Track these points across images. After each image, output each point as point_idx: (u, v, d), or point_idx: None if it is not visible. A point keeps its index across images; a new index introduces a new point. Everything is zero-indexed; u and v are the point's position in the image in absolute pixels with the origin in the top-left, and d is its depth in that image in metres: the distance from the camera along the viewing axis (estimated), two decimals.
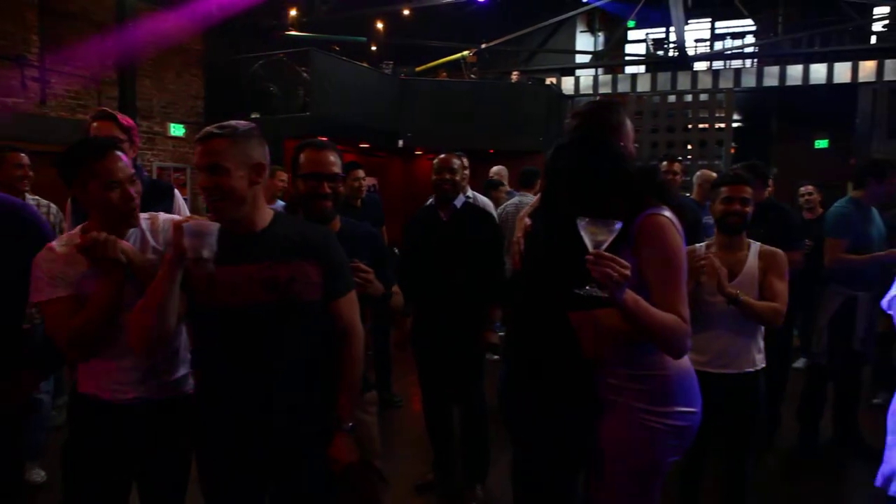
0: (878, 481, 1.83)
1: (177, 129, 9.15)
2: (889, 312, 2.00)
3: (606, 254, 1.54)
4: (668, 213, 1.77)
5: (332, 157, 2.28)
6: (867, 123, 11.09)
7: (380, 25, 12.09)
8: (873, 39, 11.36)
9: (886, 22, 10.99)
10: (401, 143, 10.37)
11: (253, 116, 8.77)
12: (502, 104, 10.48)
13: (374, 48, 12.24)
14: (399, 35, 11.77)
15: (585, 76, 12.70)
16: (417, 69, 11.52)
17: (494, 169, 6.46)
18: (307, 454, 1.84)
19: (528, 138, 10.21)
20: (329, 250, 1.86)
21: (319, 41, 10.22)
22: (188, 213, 3.93)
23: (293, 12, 10.77)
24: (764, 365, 2.69)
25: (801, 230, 4.27)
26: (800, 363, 6.05)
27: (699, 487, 2.83)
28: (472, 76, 11.81)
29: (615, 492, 1.86)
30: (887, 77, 10.70)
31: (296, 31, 10.61)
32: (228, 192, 1.71)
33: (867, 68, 10.82)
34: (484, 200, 4.89)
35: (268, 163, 1.81)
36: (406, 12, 10.94)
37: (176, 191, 3.07)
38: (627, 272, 1.54)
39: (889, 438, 1.82)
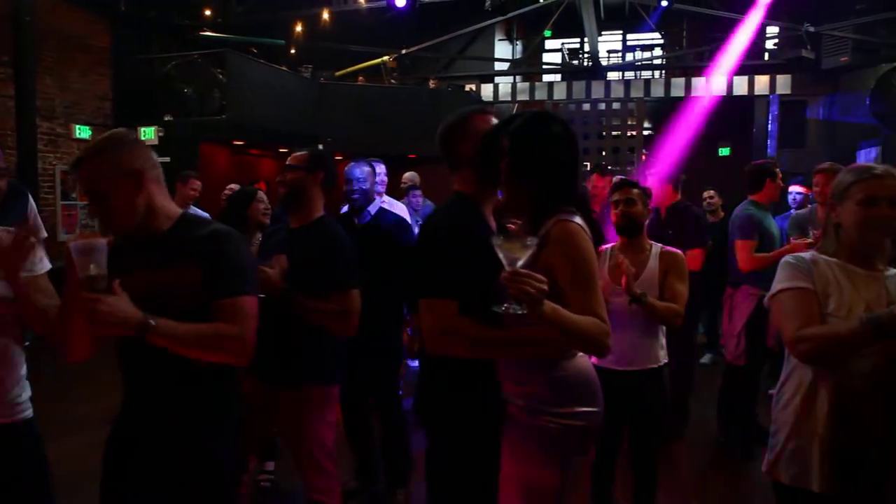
0: (764, 467, 1.96)
1: (83, 132, 8.71)
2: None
3: (523, 270, 1.54)
4: (578, 220, 1.77)
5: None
6: (763, 133, 11.87)
7: (298, 28, 11.92)
8: (766, 56, 12.16)
9: (776, 40, 11.79)
10: (320, 147, 10.26)
11: (166, 119, 8.48)
12: (422, 110, 10.55)
13: (292, 51, 12.05)
14: (318, 39, 11.64)
15: (504, 83, 12.97)
16: (337, 73, 11.44)
17: (407, 175, 6.32)
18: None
19: None
20: (214, 253, 1.72)
21: (236, 43, 9.99)
22: (39, 220, 3.81)
23: (208, 12, 10.47)
24: (666, 361, 2.83)
25: (707, 230, 4.55)
26: (706, 359, 6.40)
27: (613, 481, 2.95)
28: (392, 81, 11.83)
29: (521, 492, 1.86)
30: (779, 90, 11.50)
31: (210, 31, 10.32)
32: (114, 211, 1.68)
33: (762, 82, 11.60)
34: (399, 206, 4.89)
35: (150, 166, 1.74)
36: (325, 16, 10.83)
37: (30, 196, 2.99)
38: (545, 286, 1.54)
39: (773, 427, 1.95)
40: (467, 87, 12.31)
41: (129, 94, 8.95)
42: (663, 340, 2.83)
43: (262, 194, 3.48)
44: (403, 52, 11.58)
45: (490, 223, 2.02)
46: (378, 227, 3.38)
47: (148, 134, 8.44)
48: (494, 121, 2.02)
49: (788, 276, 1.87)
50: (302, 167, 2.66)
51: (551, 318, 1.58)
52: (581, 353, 1.86)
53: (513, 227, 2.08)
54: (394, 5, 9.24)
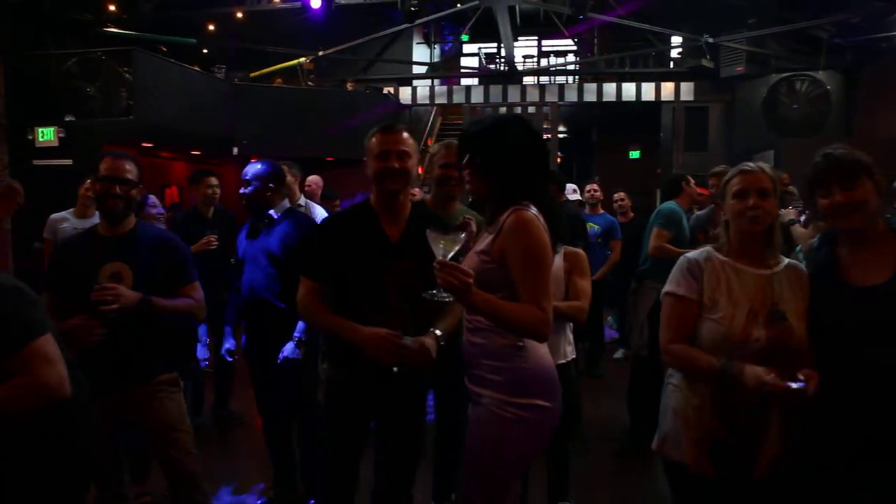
0: (654, 445, 2.09)
1: None
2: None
3: (450, 262, 1.69)
4: (533, 210, 1.88)
5: (128, 165, 2.52)
6: (669, 136, 12.48)
7: (211, 27, 11.57)
8: (672, 64, 12.80)
9: (680, 49, 12.42)
10: (235, 150, 10.01)
11: (67, 119, 8.03)
12: (340, 112, 10.47)
13: (205, 51, 11.69)
14: (232, 38, 11.34)
15: (422, 86, 13.05)
16: (252, 75, 11.17)
17: (311, 178, 5.88)
18: None
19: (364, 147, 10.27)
20: None
21: (144, 41, 9.59)
22: None
23: (112, 7, 10.00)
24: (574, 356, 2.95)
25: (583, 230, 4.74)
26: (619, 354, 6.67)
27: (528, 475, 3.04)
28: (310, 84, 11.68)
29: (478, 482, 1.96)
30: (683, 97, 12.12)
31: (115, 28, 9.85)
32: None
33: (668, 89, 12.18)
34: (316, 210, 4.82)
35: None
36: (239, 15, 10.57)
37: None
38: (470, 280, 1.68)
39: (661, 410, 2.08)
40: (385, 90, 12.30)
41: (24, 92, 8.41)
42: (571, 336, 2.94)
43: (155, 200, 3.31)
44: (321, 53, 11.44)
45: (370, 222, 2.24)
46: (272, 231, 3.22)
47: (47, 135, 7.97)
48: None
49: (676, 280, 2.00)
50: None
51: (481, 307, 1.76)
52: (543, 350, 1.96)
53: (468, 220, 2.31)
54: (309, 6, 9.12)
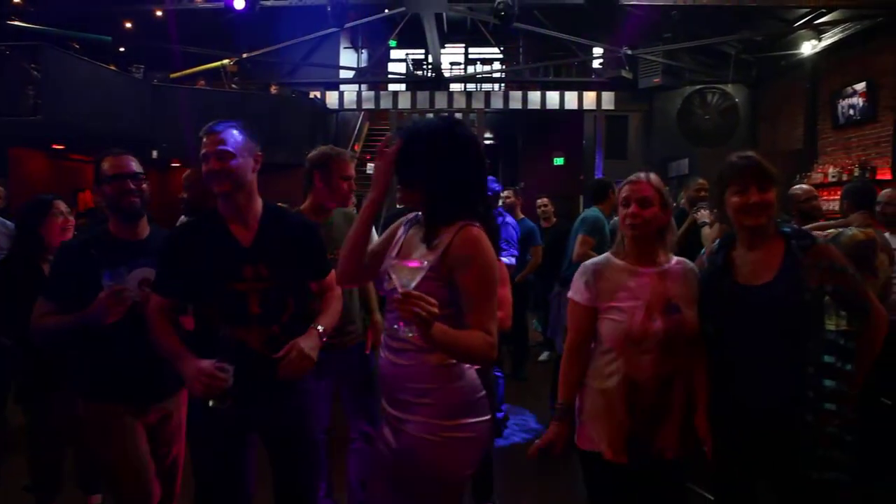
0: (576, 439, 2.21)
1: None
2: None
3: (415, 293, 1.54)
4: (478, 226, 1.78)
5: (131, 158, 2.40)
6: (591, 144, 12.90)
7: (128, 25, 11.14)
8: (593, 74, 13.25)
9: (601, 60, 12.88)
10: (155, 153, 9.67)
11: None
12: (265, 116, 10.30)
13: (121, 49, 11.23)
14: (150, 37, 10.95)
15: (349, 91, 12.99)
16: (172, 75, 10.83)
17: None
18: None
19: (291, 151, 10.13)
20: None
21: (53, 36, 9.12)
22: None
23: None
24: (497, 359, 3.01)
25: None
26: (544, 356, 6.83)
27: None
28: (234, 86, 11.42)
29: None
30: (604, 106, 12.56)
31: (20, 21, 9.33)
32: None
33: (590, 98, 12.60)
34: None
35: None
36: (158, 13, 10.22)
37: None
38: (436, 310, 1.54)
39: (577, 404, 2.21)
40: (312, 94, 12.18)
41: None
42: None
43: (61, 205, 3.08)
44: (245, 56, 11.22)
45: (219, 228, 2.13)
46: None
47: None
48: None
49: (576, 286, 2.18)
50: None
51: (439, 340, 1.60)
52: (471, 368, 1.88)
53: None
54: (231, 7, 8.91)
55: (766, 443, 1.98)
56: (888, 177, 7.78)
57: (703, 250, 2.31)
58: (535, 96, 12.75)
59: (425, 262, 1.60)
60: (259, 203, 2.17)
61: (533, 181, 15.05)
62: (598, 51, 12.57)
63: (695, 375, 2.12)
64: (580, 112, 12.86)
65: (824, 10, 8.84)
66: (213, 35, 10.75)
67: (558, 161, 15.56)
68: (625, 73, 11.65)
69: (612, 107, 12.58)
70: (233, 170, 2.07)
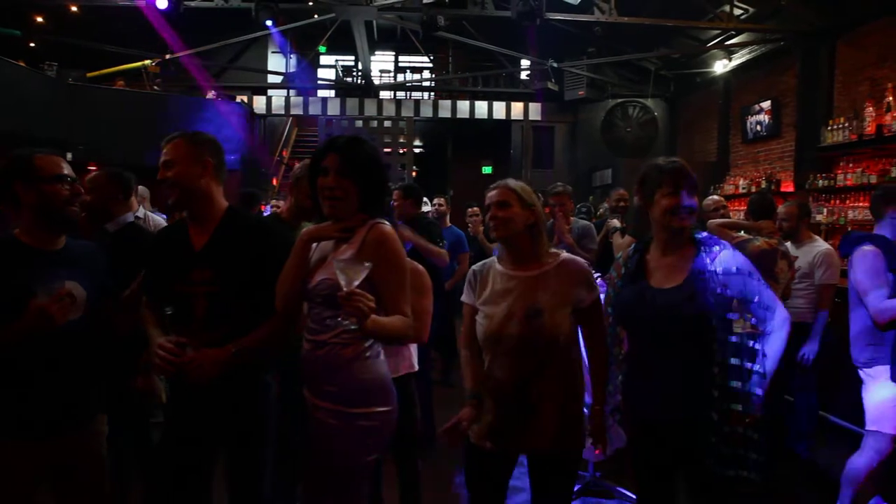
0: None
1: None
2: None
3: (358, 290, 1.73)
4: (388, 224, 2.01)
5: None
6: (519, 153, 13.19)
7: (40, 20, 10.62)
8: (521, 85, 13.56)
9: (528, 72, 13.21)
10: (70, 156, 9.23)
11: None
12: (190, 119, 10.02)
13: (32, 45, 10.69)
14: (65, 34, 10.48)
15: (277, 96, 12.80)
16: (89, 75, 10.38)
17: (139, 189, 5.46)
18: None
19: None
20: None
21: None
22: None
23: None
24: (416, 369, 3.03)
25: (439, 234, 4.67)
26: None
27: (381, 481, 3.10)
28: (156, 88, 11.06)
29: (322, 490, 2.01)
30: (532, 117, 12.88)
31: None
32: None
33: (517, 108, 12.89)
34: (157, 220, 4.56)
35: None
36: (74, 9, 9.80)
37: None
38: (373, 304, 1.75)
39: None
40: (239, 99, 11.93)
41: None
42: (413, 349, 3.01)
43: None
44: (168, 57, 10.88)
45: (181, 232, 2.17)
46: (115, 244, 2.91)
47: None
48: None
49: (465, 288, 2.29)
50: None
51: (372, 329, 1.80)
52: (381, 358, 2.05)
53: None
54: (154, 6, 8.64)
55: (675, 441, 2.09)
56: (791, 188, 8.32)
57: (619, 255, 2.41)
58: (464, 105, 12.93)
59: (367, 263, 1.76)
60: (220, 207, 2.18)
61: (462, 189, 15.23)
62: (525, 63, 12.89)
63: (591, 372, 2.22)
64: (508, 122, 13.13)
65: (734, 33, 9.39)
66: (135, 34, 10.38)
67: (487, 170, 15.80)
68: (551, 86, 11.99)
69: (538, 117, 12.90)
70: (174, 179, 2.09)
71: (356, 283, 1.74)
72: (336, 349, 1.97)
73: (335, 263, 1.76)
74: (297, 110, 12.83)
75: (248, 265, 2.10)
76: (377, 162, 2.07)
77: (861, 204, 6.94)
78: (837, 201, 7.37)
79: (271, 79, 13.06)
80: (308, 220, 2.93)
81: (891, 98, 6.75)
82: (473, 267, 2.30)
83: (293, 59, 13.60)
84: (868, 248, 3.03)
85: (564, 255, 2.20)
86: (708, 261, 2.06)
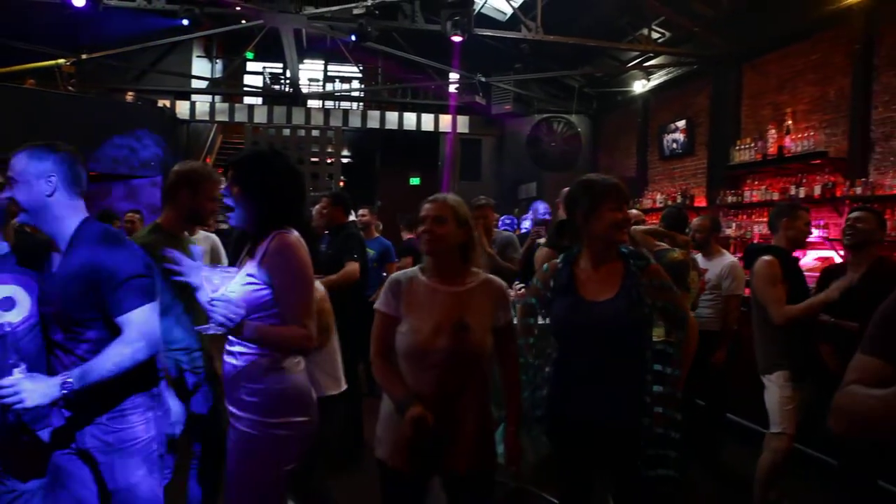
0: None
1: None
2: None
3: (224, 297, 1.83)
4: (295, 234, 2.03)
5: None
6: (446, 166, 13.35)
7: None
8: (449, 98, 13.73)
9: (457, 85, 13.41)
10: None
11: None
12: (106, 123, 9.62)
13: None
14: None
15: (202, 102, 12.47)
16: None
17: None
18: None
19: None
20: None
21: None
22: None
23: None
24: (342, 389, 2.97)
25: (350, 250, 4.57)
26: None
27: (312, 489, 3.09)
28: (70, 89, 10.56)
29: (241, 499, 2.03)
30: (459, 130, 13.07)
31: None
32: None
33: (445, 121, 13.06)
34: None
35: None
36: None
37: None
38: (242, 311, 1.84)
39: (380, 416, 2.25)
40: (161, 103, 11.54)
41: None
42: (337, 369, 2.95)
43: None
44: (84, 57, 10.42)
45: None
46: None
47: None
48: None
49: (382, 298, 2.20)
50: None
51: (250, 335, 1.91)
52: (298, 369, 2.09)
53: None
54: (70, 3, 8.26)
55: (608, 447, 2.17)
56: (704, 203, 8.80)
57: (545, 266, 2.45)
58: (392, 116, 12.98)
59: (233, 270, 1.91)
60: (71, 225, 1.94)
61: (389, 200, 15.25)
62: (454, 76, 13.08)
63: (506, 391, 2.23)
64: (436, 134, 13.26)
65: (652, 55, 9.87)
66: (47, 31, 9.88)
67: (415, 181, 15.89)
68: (479, 99, 12.21)
69: (466, 130, 13.10)
70: (16, 198, 1.91)
71: (221, 290, 1.85)
72: (252, 359, 2.01)
73: (202, 272, 1.90)
74: (222, 117, 12.54)
75: (89, 287, 1.89)
76: (279, 175, 2.08)
77: (765, 219, 7.43)
78: (745, 216, 7.85)
79: (195, 84, 12.71)
80: (197, 226, 2.88)
81: (790, 122, 7.27)
82: (395, 276, 2.23)
83: (219, 65, 13.31)
84: (767, 258, 3.33)
85: (486, 274, 2.24)
86: (637, 273, 2.19)
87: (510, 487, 3.66)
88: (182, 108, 12.15)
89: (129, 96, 11.20)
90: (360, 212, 6.33)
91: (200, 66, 13.39)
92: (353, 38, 8.98)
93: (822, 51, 7.13)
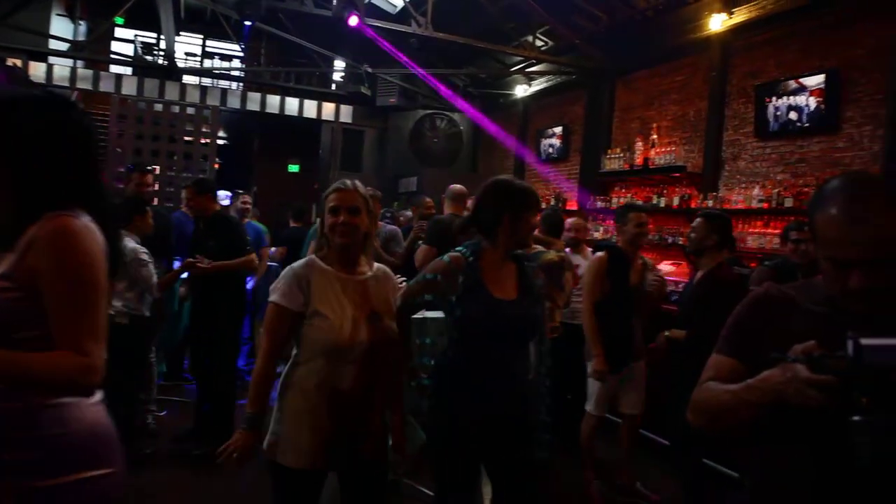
0: (265, 445, 2.18)
1: None
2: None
3: None
4: (85, 219, 1.40)
5: None
6: (327, 154, 13.13)
7: None
8: (334, 86, 13.52)
9: (343, 74, 13.24)
10: None
11: None
12: None
13: None
14: None
15: (61, 65, 11.41)
16: None
17: None
18: None
19: None
20: None
21: None
22: None
23: None
24: None
25: (244, 239, 4.48)
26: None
27: None
28: None
29: None
30: (342, 119, 12.91)
31: None
32: None
33: (328, 108, 12.84)
34: None
35: None
36: None
37: None
38: None
39: (275, 415, 2.17)
40: (10, 62, 10.43)
41: None
42: None
43: None
44: None
45: None
46: None
47: None
48: None
49: (283, 291, 2.08)
50: None
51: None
52: (86, 403, 1.42)
53: None
54: None
55: (505, 436, 2.24)
56: (575, 207, 9.30)
57: (447, 259, 2.45)
58: (273, 100, 12.57)
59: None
60: None
61: (266, 185, 14.78)
62: (339, 64, 12.88)
63: (395, 381, 2.27)
64: (318, 121, 13.01)
65: (534, 61, 10.28)
66: None
67: (293, 168, 15.51)
68: (364, 90, 12.11)
69: (349, 120, 12.96)
70: None
71: None
72: (5, 396, 1.31)
73: None
74: (85, 84, 11.51)
75: None
76: (59, 128, 1.42)
77: None
78: (611, 221, 8.40)
79: (53, 44, 11.59)
80: None
81: (655, 136, 7.87)
82: (293, 267, 2.13)
83: (83, 26, 12.24)
84: (599, 254, 3.81)
85: (374, 262, 2.27)
86: (530, 275, 2.33)
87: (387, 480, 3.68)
88: (37, 69, 11.05)
89: None
90: (243, 198, 6.31)
91: (61, 26, 12.23)
92: (245, 21, 8.59)
93: (686, 74, 7.78)
